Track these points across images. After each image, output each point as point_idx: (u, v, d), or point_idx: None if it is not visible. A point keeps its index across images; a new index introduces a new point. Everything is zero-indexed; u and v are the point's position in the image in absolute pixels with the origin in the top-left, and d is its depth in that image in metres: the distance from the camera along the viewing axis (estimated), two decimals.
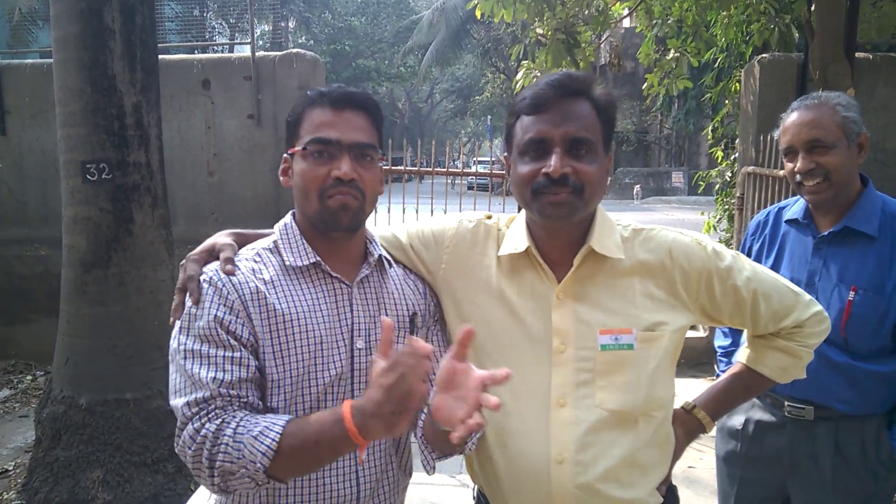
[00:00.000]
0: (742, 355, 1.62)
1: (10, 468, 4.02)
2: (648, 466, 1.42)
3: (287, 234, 1.42)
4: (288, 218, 1.45)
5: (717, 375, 2.18)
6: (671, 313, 1.41)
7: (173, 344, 1.30)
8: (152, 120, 3.41)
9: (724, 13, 6.12)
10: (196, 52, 6.85)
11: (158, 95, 3.48)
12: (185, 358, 1.26)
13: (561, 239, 1.42)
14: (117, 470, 3.22)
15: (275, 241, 1.42)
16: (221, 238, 1.43)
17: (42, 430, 3.38)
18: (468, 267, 1.50)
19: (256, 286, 1.32)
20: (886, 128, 5.09)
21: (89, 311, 3.35)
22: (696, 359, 5.61)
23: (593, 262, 1.41)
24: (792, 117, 1.95)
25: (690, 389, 5.35)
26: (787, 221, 2.09)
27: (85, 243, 3.32)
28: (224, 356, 1.25)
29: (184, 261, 1.39)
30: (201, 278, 1.32)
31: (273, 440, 1.16)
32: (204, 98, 5.74)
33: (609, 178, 1.43)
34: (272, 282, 1.34)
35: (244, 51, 6.25)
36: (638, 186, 25.97)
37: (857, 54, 4.82)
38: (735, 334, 2.22)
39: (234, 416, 1.22)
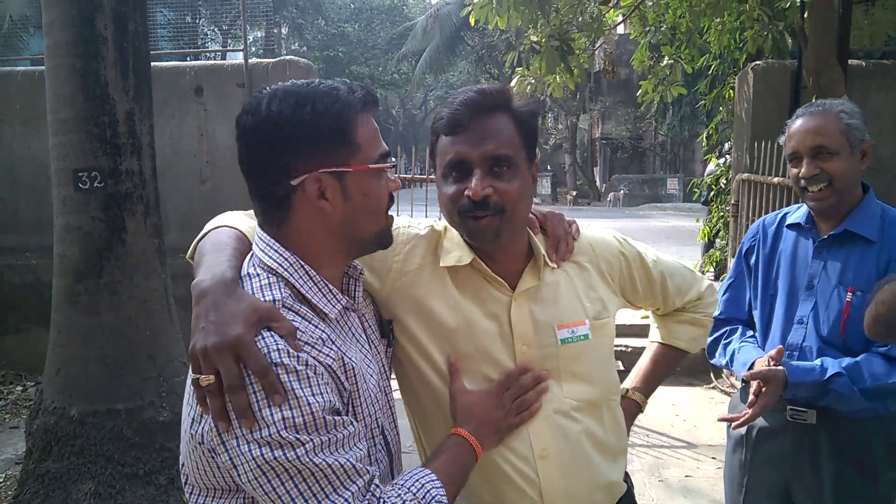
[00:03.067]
0: (656, 335, 1.80)
1: (1, 480, 3.97)
2: (616, 452, 1.50)
3: (303, 277, 1.18)
4: (289, 259, 1.17)
5: (741, 387, 2.14)
6: (608, 301, 1.51)
7: (264, 453, 1.02)
8: (145, 127, 3.38)
9: (718, 20, 6.14)
10: (189, 59, 6.82)
11: (151, 103, 3.45)
12: (309, 453, 1.04)
13: (503, 251, 1.42)
14: (109, 482, 3.17)
15: (291, 290, 1.17)
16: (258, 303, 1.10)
17: (33, 442, 3.33)
18: (423, 276, 1.43)
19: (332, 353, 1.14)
20: (880, 135, 5.09)
21: (81, 320, 3.31)
22: (692, 366, 5.58)
23: (536, 264, 1.45)
24: (797, 124, 1.99)
25: (686, 398, 5.34)
26: (789, 226, 2.11)
27: (77, 252, 3.28)
28: (350, 434, 1.11)
29: (217, 339, 1.04)
30: (290, 362, 1.05)
31: (441, 488, 1.19)
32: (196, 105, 5.72)
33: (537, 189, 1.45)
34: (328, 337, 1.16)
35: (237, 58, 6.23)
36: (612, 193, 26.16)
37: (850, 61, 4.85)
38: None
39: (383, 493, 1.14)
